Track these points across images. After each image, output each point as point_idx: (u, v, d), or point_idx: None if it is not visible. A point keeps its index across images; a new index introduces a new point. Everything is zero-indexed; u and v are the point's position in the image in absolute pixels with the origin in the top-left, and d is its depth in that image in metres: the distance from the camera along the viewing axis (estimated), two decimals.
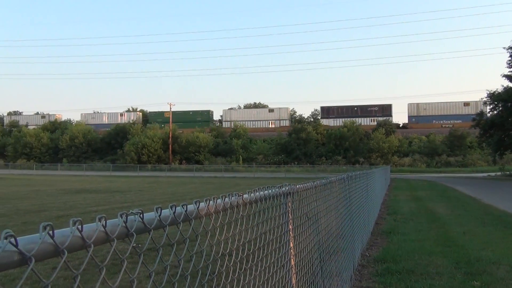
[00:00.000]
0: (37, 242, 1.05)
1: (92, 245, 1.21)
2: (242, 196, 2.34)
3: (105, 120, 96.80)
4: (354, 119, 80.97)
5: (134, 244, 1.36)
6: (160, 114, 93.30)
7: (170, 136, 77.01)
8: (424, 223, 12.86)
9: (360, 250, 8.37)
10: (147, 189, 29.02)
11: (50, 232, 1.08)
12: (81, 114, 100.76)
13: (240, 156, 73.19)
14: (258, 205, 2.63)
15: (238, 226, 2.34)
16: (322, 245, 4.55)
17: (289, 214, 3.32)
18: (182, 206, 1.70)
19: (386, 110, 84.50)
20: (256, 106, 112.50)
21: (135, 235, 1.38)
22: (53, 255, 1.11)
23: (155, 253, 1.60)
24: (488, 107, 49.64)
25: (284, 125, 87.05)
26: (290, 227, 3.34)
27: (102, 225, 1.26)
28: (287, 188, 3.26)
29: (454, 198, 21.50)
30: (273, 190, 2.93)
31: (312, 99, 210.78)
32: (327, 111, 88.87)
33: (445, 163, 66.97)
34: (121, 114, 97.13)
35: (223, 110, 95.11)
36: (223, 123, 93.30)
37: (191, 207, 1.77)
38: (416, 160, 68.30)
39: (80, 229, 1.18)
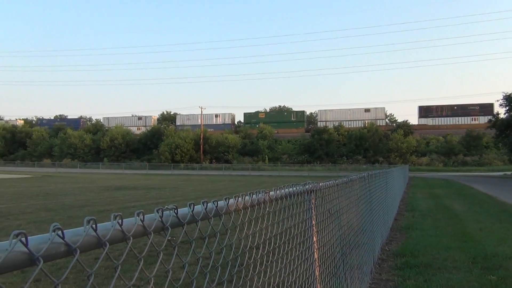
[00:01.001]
0: (82, 234, 1.07)
1: (131, 238, 1.23)
2: (269, 193, 2.34)
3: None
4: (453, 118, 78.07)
5: (169, 237, 1.38)
6: (255, 114, 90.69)
7: (202, 137, 77.59)
8: (441, 219, 12.59)
9: (380, 245, 8.26)
10: (180, 186, 29.29)
11: (94, 225, 1.10)
12: (178, 116, 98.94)
13: (266, 156, 73.15)
14: (283, 201, 2.62)
15: (265, 221, 2.34)
16: (343, 240, 4.51)
17: (313, 210, 3.30)
18: (213, 202, 1.71)
19: (486, 108, 75.70)
20: (281, 109, 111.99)
21: (170, 229, 1.39)
22: (95, 246, 1.12)
23: (188, 246, 1.61)
24: (504, 109, 48.29)
25: (381, 124, 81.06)
26: (314, 222, 3.32)
27: (140, 219, 1.27)
28: (310, 186, 3.24)
29: (471, 196, 20.98)
30: (298, 188, 2.92)
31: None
32: (425, 110, 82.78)
33: (461, 162, 65.45)
34: (216, 115, 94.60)
35: (319, 111, 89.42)
36: (319, 123, 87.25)
37: (221, 203, 1.77)
38: (433, 160, 66.97)
39: (120, 223, 1.19)
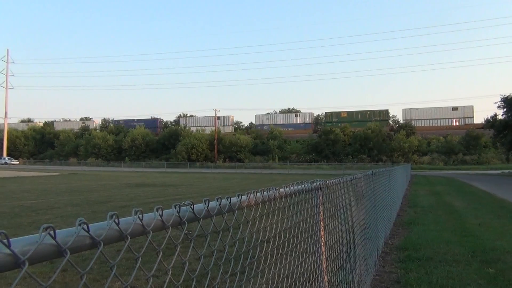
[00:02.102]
0: (105, 228, 1.08)
1: (151, 232, 1.24)
2: (279, 190, 2.33)
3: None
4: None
5: (186, 231, 1.38)
6: (336, 114, 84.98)
7: (216, 137, 77.84)
8: (442, 215, 12.46)
9: (384, 239, 8.20)
10: (196, 184, 29.40)
11: (116, 220, 1.11)
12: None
13: (276, 155, 73.10)
14: (292, 198, 2.62)
15: (275, 217, 2.34)
16: (349, 234, 4.48)
17: (320, 206, 3.29)
18: (227, 198, 1.71)
19: None
20: (290, 111, 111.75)
21: (186, 223, 1.40)
22: (118, 240, 1.13)
23: (203, 239, 1.62)
24: (501, 110, 47.72)
25: (469, 122, 76.57)
26: (321, 217, 3.30)
27: (159, 214, 1.28)
28: (318, 183, 3.23)
29: (470, 193, 20.72)
30: (306, 185, 2.91)
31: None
32: None
33: (461, 161, 64.72)
34: (296, 115, 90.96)
35: (403, 109, 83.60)
36: (403, 121, 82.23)
37: (234, 199, 1.77)
38: (434, 159, 66.33)
39: (141, 217, 1.20)
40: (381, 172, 8.41)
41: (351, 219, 4.64)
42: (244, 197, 1.86)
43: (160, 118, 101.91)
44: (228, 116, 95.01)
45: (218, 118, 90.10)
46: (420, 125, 79.31)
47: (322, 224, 3.32)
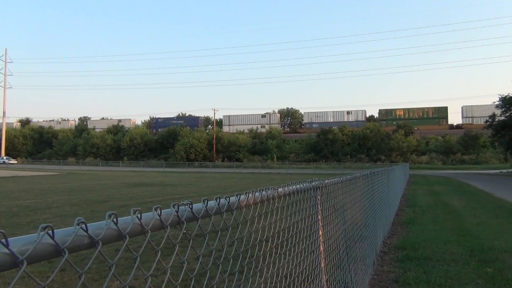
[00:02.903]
0: (104, 228, 1.08)
1: (149, 231, 1.23)
2: (277, 189, 2.33)
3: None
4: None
5: (185, 231, 1.38)
6: (391, 111, 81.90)
7: (214, 137, 77.81)
8: (440, 214, 12.48)
9: (382, 238, 8.21)
10: (195, 183, 29.39)
11: (115, 219, 1.11)
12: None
13: (275, 155, 73.09)
14: (291, 197, 2.62)
15: (274, 216, 2.34)
16: (347, 234, 4.49)
17: (319, 206, 3.29)
18: (225, 198, 1.71)
19: None
20: (288, 111, 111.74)
21: (185, 223, 1.40)
22: (116, 239, 1.13)
23: (202, 239, 1.62)
24: (499, 110, 47.83)
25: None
26: (319, 217, 3.30)
27: (158, 214, 1.28)
28: (316, 182, 3.23)
29: (469, 193, 20.76)
30: (304, 185, 2.91)
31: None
32: None
33: (459, 160, 64.83)
34: (348, 112, 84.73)
35: (462, 107, 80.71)
36: (463, 119, 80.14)
37: (233, 199, 1.77)
38: (433, 158, 66.42)
39: (139, 217, 1.20)
40: (379, 172, 8.41)
41: (349, 218, 4.64)
42: (242, 197, 1.86)
43: (201, 116, 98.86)
44: (275, 113, 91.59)
45: (264, 115, 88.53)
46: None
47: (320, 224, 3.32)
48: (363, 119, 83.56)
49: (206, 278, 1.61)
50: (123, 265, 6.18)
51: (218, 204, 1.62)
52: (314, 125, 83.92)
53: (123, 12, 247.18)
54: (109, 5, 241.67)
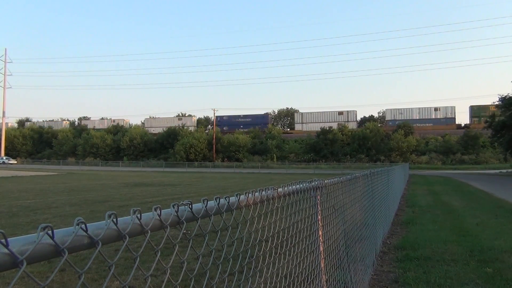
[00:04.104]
0: (103, 228, 1.08)
1: (149, 231, 1.24)
2: (277, 189, 2.33)
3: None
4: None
5: (184, 231, 1.38)
6: (485, 107, 73.99)
7: (214, 137, 77.82)
8: (440, 214, 12.48)
9: (382, 238, 8.21)
10: (194, 183, 29.38)
11: (114, 219, 1.11)
12: None
13: (274, 155, 73.09)
14: (290, 197, 2.62)
15: (273, 216, 2.34)
16: (347, 234, 4.49)
17: (318, 206, 3.29)
18: (225, 198, 1.71)
19: None
20: (288, 111, 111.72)
21: (185, 223, 1.40)
22: (116, 239, 1.13)
23: (201, 239, 1.62)
24: (499, 110, 47.83)
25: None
26: (319, 217, 3.30)
27: (158, 214, 1.28)
28: (316, 183, 3.23)
29: (468, 193, 20.76)
30: (304, 185, 2.91)
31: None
32: None
33: (459, 160, 64.82)
34: (436, 109, 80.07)
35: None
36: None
37: (233, 199, 1.77)
38: (432, 158, 66.42)
39: (139, 217, 1.20)
40: (379, 172, 8.41)
41: (349, 218, 4.64)
42: (242, 197, 1.86)
43: (270, 113, 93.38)
44: (352, 110, 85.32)
45: (341, 113, 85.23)
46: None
47: (320, 224, 3.32)
48: (452, 116, 78.76)
49: (206, 278, 1.61)
50: (123, 265, 6.18)
51: (218, 204, 1.62)
52: (397, 122, 78.02)
53: (122, 12, 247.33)
54: (108, 5, 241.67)
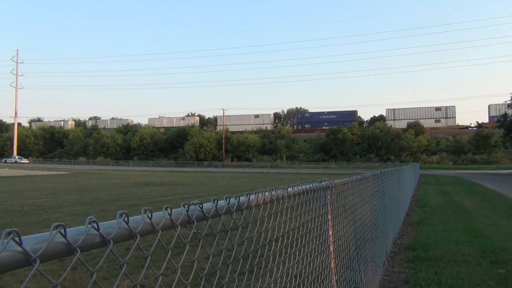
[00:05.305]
0: (115, 227, 1.09)
1: (160, 230, 1.24)
2: (287, 189, 2.33)
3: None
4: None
5: (195, 230, 1.38)
6: None
7: (224, 137, 77.95)
8: (451, 215, 12.36)
9: (392, 239, 8.15)
10: (204, 183, 29.45)
11: (126, 219, 1.11)
12: None
13: (284, 155, 72.99)
14: (300, 197, 2.61)
15: (283, 216, 2.33)
16: (358, 234, 4.46)
17: (328, 206, 3.28)
18: (235, 198, 1.71)
19: None
20: (298, 110, 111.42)
21: (195, 222, 1.40)
22: (127, 238, 1.14)
23: (212, 238, 1.62)
24: (511, 109, 47.19)
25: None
26: (329, 217, 3.29)
27: (168, 213, 1.28)
28: (326, 182, 3.22)
29: (480, 193, 20.52)
30: (314, 184, 2.90)
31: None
32: None
33: (471, 160, 64.11)
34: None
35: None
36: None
37: (243, 198, 1.77)
38: (443, 158, 65.77)
39: (150, 216, 1.20)
40: (389, 172, 8.35)
41: (359, 218, 4.61)
42: (252, 196, 1.86)
43: (356, 110, 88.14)
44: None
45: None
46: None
47: (330, 224, 3.31)
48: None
49: (216, 278, 1.61)
50: (134, 264, 6.22)
51: (228, 203, 1.62)
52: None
53: (133, 12, 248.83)
54: (121, 6, 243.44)
